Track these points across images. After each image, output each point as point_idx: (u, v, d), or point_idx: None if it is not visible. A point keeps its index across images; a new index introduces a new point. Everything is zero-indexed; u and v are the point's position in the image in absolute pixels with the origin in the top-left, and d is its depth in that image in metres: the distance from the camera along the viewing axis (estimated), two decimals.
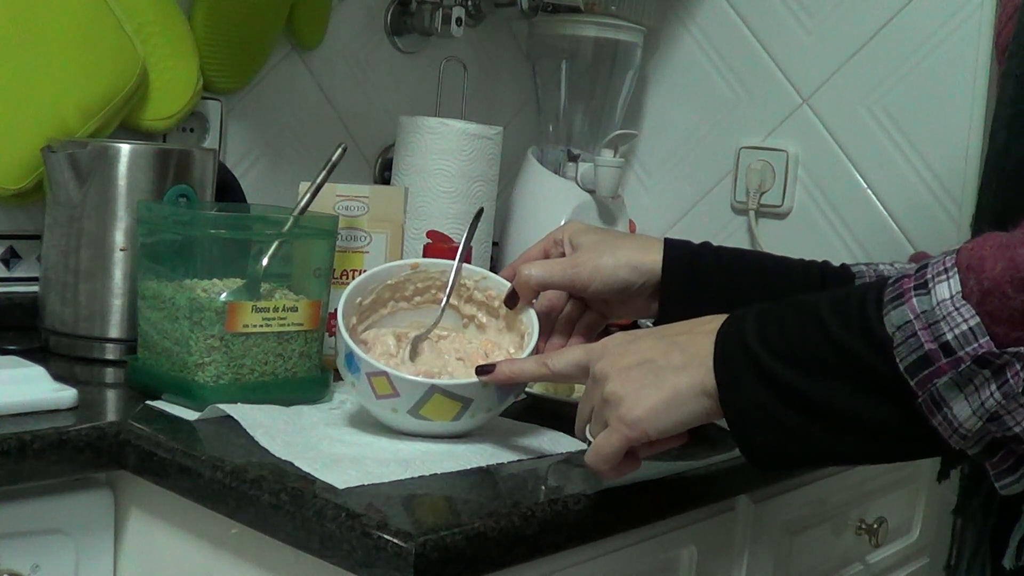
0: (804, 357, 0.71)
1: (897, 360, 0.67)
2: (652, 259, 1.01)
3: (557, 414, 1.04)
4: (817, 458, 0.74)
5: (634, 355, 0.78)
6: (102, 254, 1.12)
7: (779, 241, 1.72)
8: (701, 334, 0.77)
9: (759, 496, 1.07)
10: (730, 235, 1.77)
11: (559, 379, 0.88)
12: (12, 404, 0.89)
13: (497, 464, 0.89)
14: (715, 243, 1.07)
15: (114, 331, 1.13)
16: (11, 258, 1.28)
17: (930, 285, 0.67)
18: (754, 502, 1.07)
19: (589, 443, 0.81)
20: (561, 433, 0.98)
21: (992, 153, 0.83)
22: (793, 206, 1.72)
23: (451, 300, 1.03)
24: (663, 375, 0.76)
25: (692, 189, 1.83)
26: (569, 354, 0.86)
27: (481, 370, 0.90)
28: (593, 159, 1.63)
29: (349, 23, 1.56)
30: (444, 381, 0.91)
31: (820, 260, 1.05)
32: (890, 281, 0.69)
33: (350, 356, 0.92)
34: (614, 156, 1.61)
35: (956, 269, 0.66)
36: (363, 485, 0.79)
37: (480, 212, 1.07)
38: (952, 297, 0.66)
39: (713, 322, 0.77)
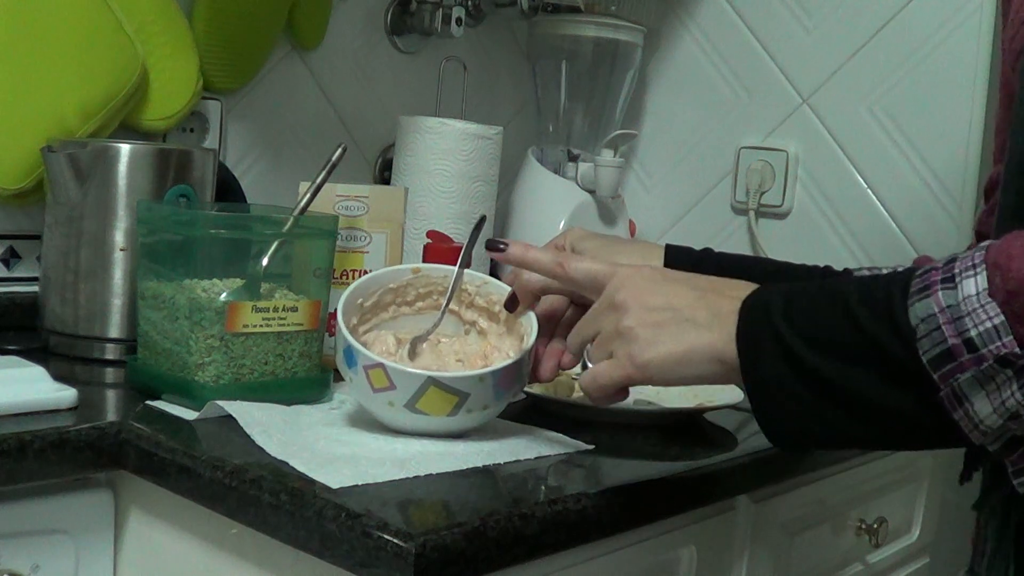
0: (827, 340, 0.71)
1: (920, 352, 0.67)
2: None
3: (557, 414, 1.04)
4: (834, 441, 0.75)
5: (660, 297, 0.78)
6: (102, 254, 1.12)
7: (779, 241, 1.72)
8: (729, 298, 0.77)
9: (759, 496, 1.07)
10: (730, 235, 1.77)
11: (568, 283, 0.88)
12: (12, 404, 0.89)
13: (496, 464, 0.89)
14: (715, 243, 1.07)
15: (114, 331, 1.13)
16: (11, 258, 1.28)
17: (957, 280, 0.67)
18: (754, 502, 1.07)
19: (584, 364, 0.81)
20: (561, 434, 0.98)
21: (1015, 153, 0.82)
22: (793, 206, 1.72)
23: (452, 306, 1.02)
24: (684, 328, 0.77)
25: (692, 189, 1.83)
26: (590, 263, 0.85)
27: (491, 245, 0.90)
28: (593, 159, 1.63)
29: (349, 23, 1.56)
30: (440, 373, 0.91)
31: (823, 265, 1.05)
32: (918, 272, 0.69)
33: (348, 350, 0.92)
34: (614, 156, 1.61)
35: (984, 265, 0.66)
36: (358, 485, 0.79)
37: (482, 219, 1.06)
38: (978, 293, 0.66)
39: (743, 289, 0.77)
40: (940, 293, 0.67)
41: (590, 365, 0.82)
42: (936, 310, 0.66)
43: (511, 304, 1.00)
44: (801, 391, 0.72)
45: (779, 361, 0.72)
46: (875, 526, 1.26)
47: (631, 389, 0.83)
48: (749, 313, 0.75)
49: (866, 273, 1.04)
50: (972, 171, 1.55)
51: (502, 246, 0.90)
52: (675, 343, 0.76)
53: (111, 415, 0.95)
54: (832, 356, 0.70)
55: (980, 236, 1.03)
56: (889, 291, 0.69)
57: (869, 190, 1.65)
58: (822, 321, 0.72)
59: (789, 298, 0.74)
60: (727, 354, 0.75)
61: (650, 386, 0.97)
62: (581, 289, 0.87)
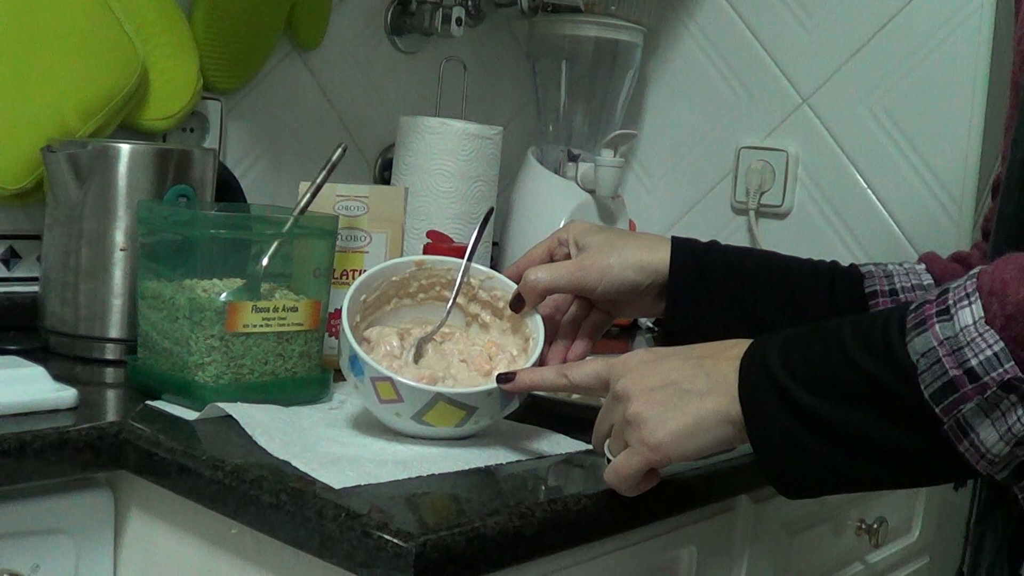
0: (829, 385, 0.71)
1: (922, 387, 0.67)
2: (659, 258, 1.01)
3: (557, 415, 1.04)
4: (844, 485, 0.74)
5: (658, 376, 0.78)
6: (102, 254, 1.12)
7: (779, 241, 1.72)
8: (726, 359, 0.77)
9: (759, 496, 1.07)
10: (730, 235, 1.77)
11: (578, 391, 0.88)
12: (12, 404, 0.89)
13: (496, 465, 0.89)
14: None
15: (114, 331, 1.13)
16: (11, 258, 1.28)
17: (952, 311, 0.67)
18: (754, 502, 1.07)
19: (608, 460, 0.81)
20: (560, 434, 0.98)
21: (1015, 162, 0.82)
22: (793, 206, 1.72)
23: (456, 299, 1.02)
24: (687, 399, 0.76)
25: (692, 189, 1.83)
26: (590, 366, 0.86)
27: (502, 378, 0.90)
28: (593, 159, 1.63)
29: (349, 23, 1.56)
30: (449, 389, 0.91)
31: (828, 260, 1.05)
32: (912, 307, 0.69)
33: (354, 358, 0.92)
34: (614, 156, 1.61)
35: (978, 294, 0.66)
36: (360, 485, 0.79)
37: (490, 212, 1.07)
38: (975, 322, 0.66)
39: (737, 347, 0.77)
40: (937, 326, 0.67)
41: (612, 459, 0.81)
42: (935, 343, 0.66)
43: (517, 304, 0.99)
44: (806, 438, 0.71)
45: (782, 411, 0.72)
46: (875, 526, 1.26)
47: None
48: (748, 369, 0.75)
49: (871, 268, 1.03)
50: (972, 171, 1.55)
51: (511, 376, 0.90)
52: (682, 416, 0.76)
53: (111, 415, 0.95)
54: (834, 400, 0.70)
55: (985, 234, 1.03)
56: (886, 329, 0.69)
57: (869, 190, 1.65)
58: (820, 365, 0.72)
59: (785, 347, 0.74)
60: (734, 414, 0.75)
61: None
62: (590, 391, 0.87)
